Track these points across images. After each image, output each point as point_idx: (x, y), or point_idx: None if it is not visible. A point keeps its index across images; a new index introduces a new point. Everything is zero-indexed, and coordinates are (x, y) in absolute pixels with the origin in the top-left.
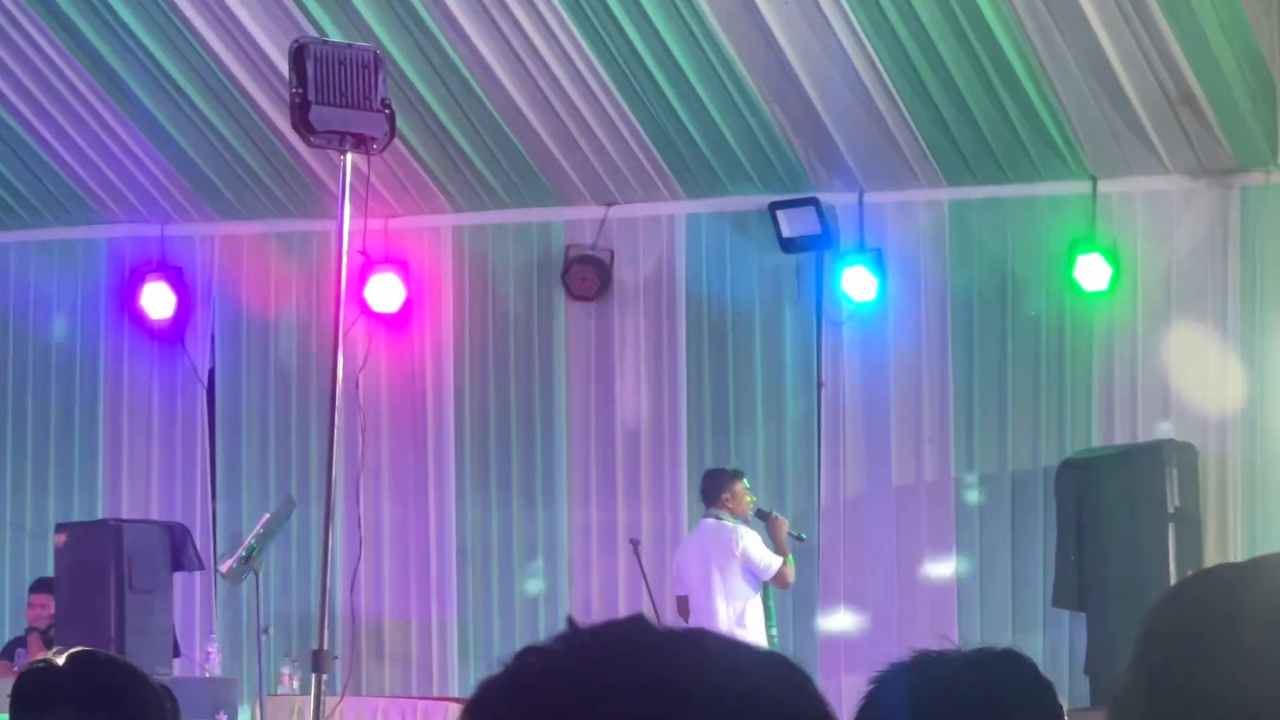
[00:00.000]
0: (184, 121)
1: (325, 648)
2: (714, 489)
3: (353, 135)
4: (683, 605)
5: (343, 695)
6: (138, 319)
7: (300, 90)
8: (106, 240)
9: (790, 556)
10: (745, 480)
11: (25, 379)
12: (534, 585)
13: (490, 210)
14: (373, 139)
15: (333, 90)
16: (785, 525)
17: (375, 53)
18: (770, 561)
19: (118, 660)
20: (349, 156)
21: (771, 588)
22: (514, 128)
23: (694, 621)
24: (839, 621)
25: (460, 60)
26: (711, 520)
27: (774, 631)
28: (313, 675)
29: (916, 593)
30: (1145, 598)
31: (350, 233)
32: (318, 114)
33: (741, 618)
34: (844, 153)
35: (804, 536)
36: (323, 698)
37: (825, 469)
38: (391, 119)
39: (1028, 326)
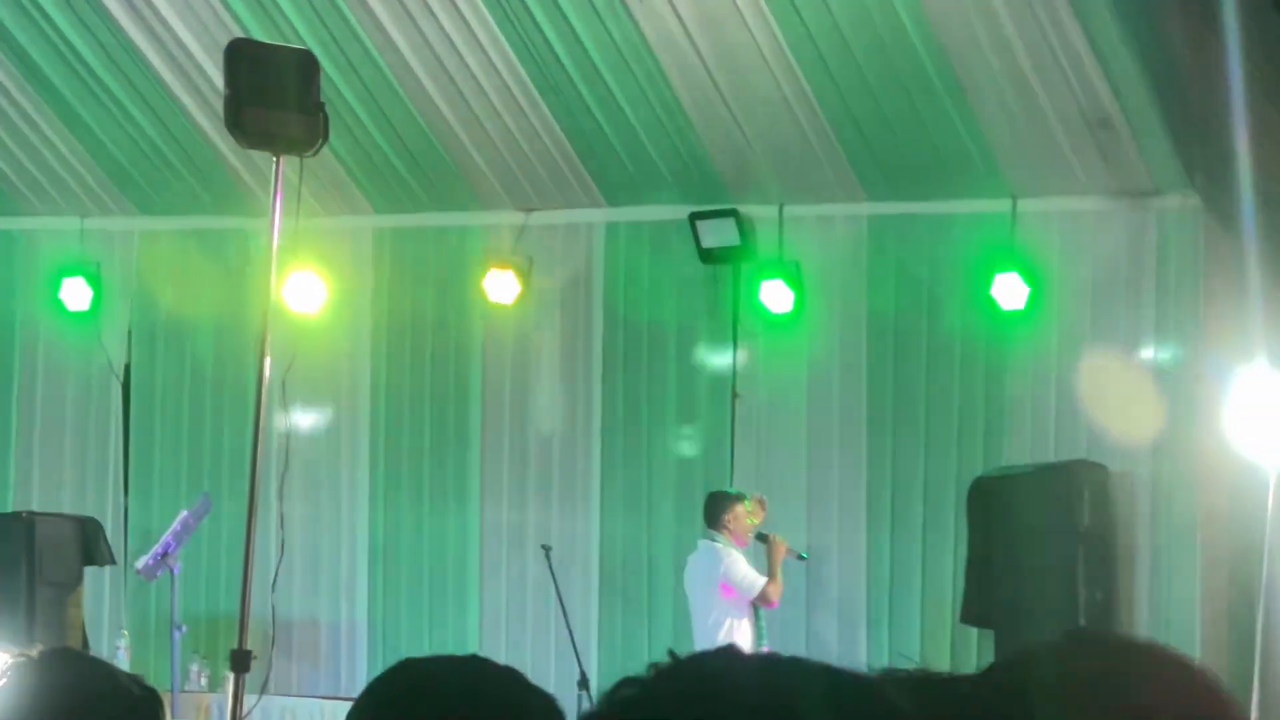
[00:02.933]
0: (104, 115)
1: (246, 647)
2: (714, 512)
3: (286, 138)
4: None
5: (261, 695)
6: (55, 311)
7: (233, 91)
8: (24, 232)
9: (779, 576)
10: (747, 503)
11: None
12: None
13: (410, 213)
14: (306, 142)
15: (266, 92)
16: (784, 546)
17: (310, 54)
18: (753, 581)
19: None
20: (280, 159)
21: (761, 608)
22: (435, 131)
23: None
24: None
25: (383, 60)
26: (705, 543)
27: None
28: (232, 675)
29: (827, 607)
30: (1055, 615)
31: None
32: (251, 115)
33: (727, 636)
34: (765, 165)
35: (805, 556)
36: (242, 697)
37: (738, 479)
38: (325, 122)
39: (944, 343)
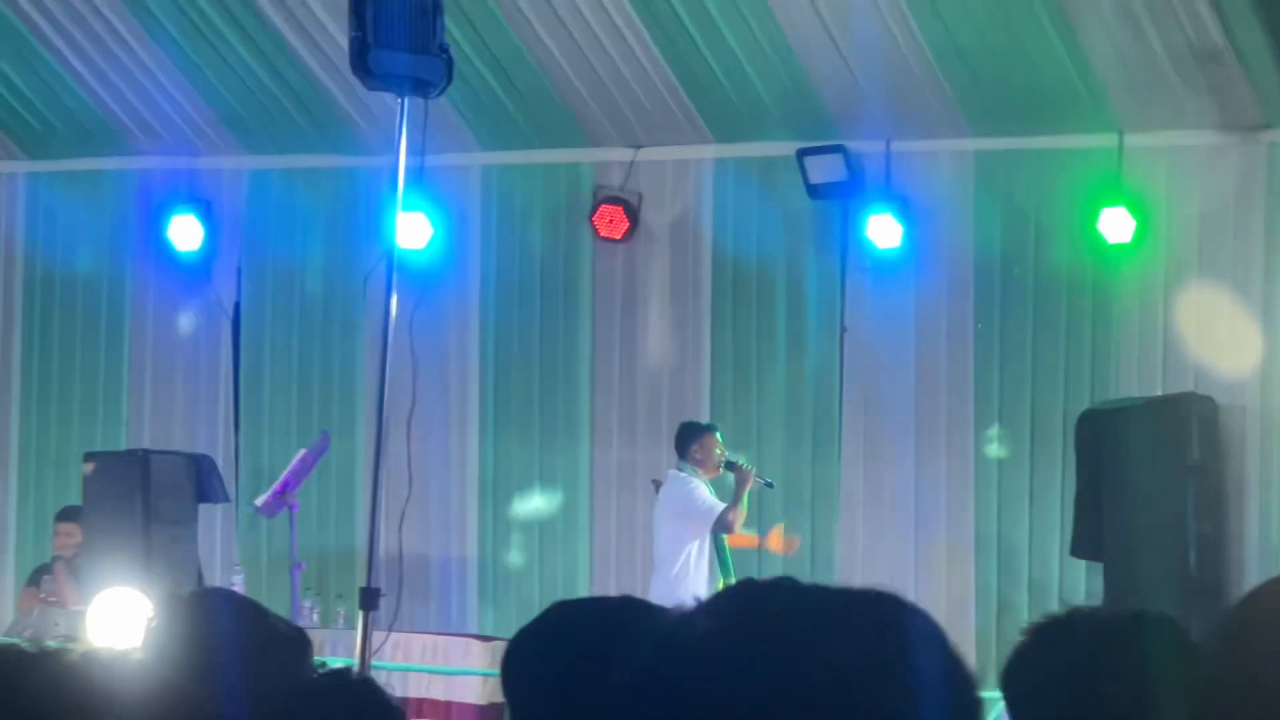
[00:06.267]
0: (213, 55)
1: (374, 585)
2: (682, 442)
3: (410, 79)
4: None
5: (390, 632)
6: (165, 251)
7: (360, 34)
8: (136, 172)
9: (745, 505)
10: (719, 434)
11: (52, 309)
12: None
13: (519, 150)
14: (430, 83)
15: (392, 33)
16: (751, 475)
17: None
18: (710, 507)
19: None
20: (404, 101)
21: (724, 538)
22: (543, 67)
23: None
24: (856, 569)
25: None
26: (671, 472)
27: (729, 580)
28: (360, 612)
29: (935, 540)
30: (1164, 549)
31: (381, 171)
32: (376, 58)
33: (682, 567)
34: (872, 101)
35: (771, 483)
36: (370, 634)
37: (847, 415)
38: (449, 63)
39: (1050, 278)
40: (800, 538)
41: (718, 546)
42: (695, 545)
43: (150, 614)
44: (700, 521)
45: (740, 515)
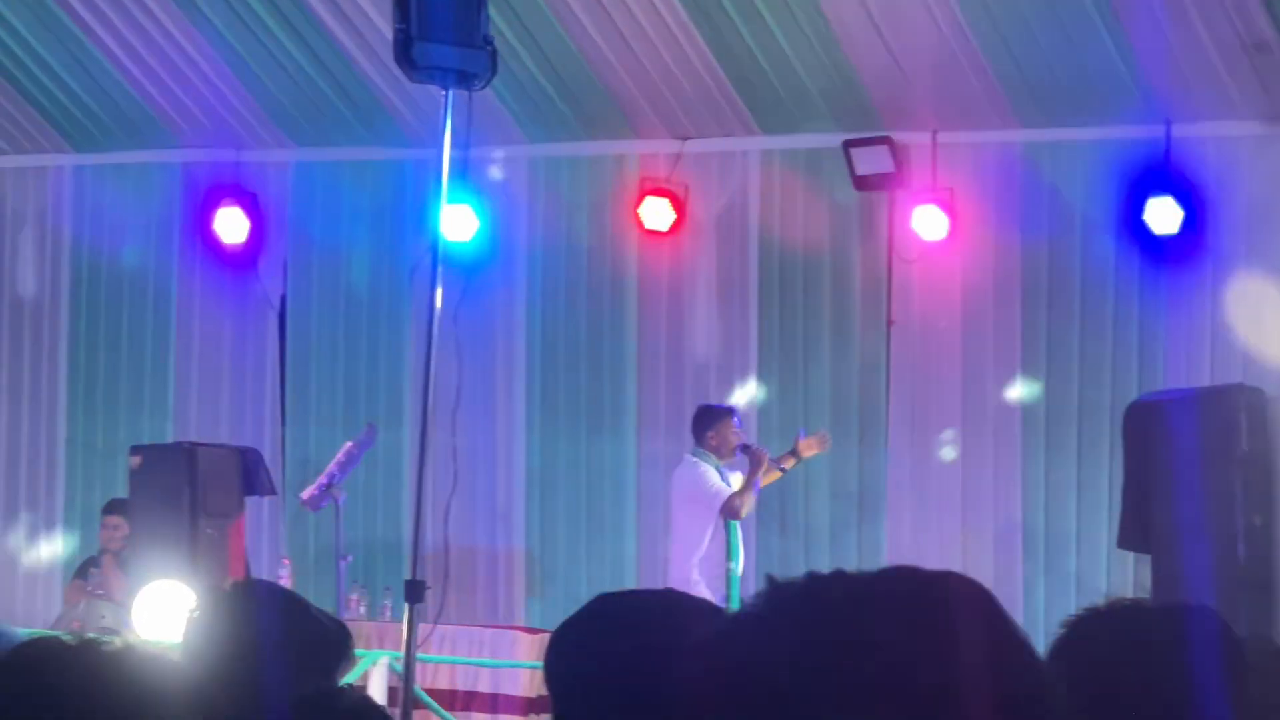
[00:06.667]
0: (258, 47)
1: (418, 577)
2: (698, 427)
3: (455, 72)
4: None
5: (435, 624)
6: (211, 244)
7: (404, 26)
8: (182, 165)
9: (752, 490)
10: (735, 418)
11: (98, 301)
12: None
13: (564, 142)
14: (475, 76)
15: (436, 26)
16: (765, 457)
17: None
18: (717, 491)
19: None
20: (449, 93)
21: (735, 524)
22: (588, 58)
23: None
24: (903, 561)
25: None
26: (686, 456)
27: (733, 565)
28: (406, 605)
29: (982, 532)
30: (1212, 541)
31: (426, 163)
32: (421, 50)
33: (692, 550)
34: (918, 92)
35: (785, 469)
36: (415, 627)
37: (893, 407)
38: (494, 55)
39: (1098, 269)
40: (829, 434)
41: (727, 530)
42: (712, 530)
43: (191, 606)
44: (707, 506)
45: (748, 501)
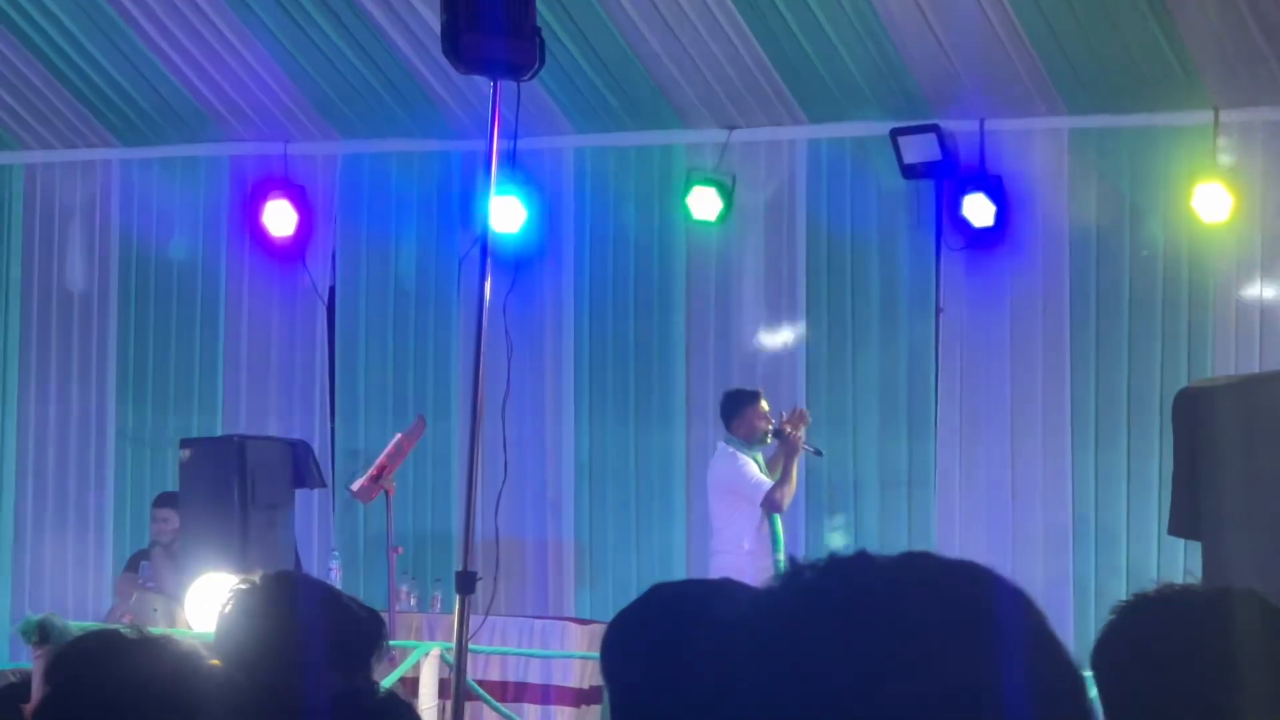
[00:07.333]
0: (305, 40)
1: (470, 569)
2: (726, 415)
3: (503, 63)
4: None
5: (486, 615)
6: (259, 236)
7: (451, 18)
8: (229, 158)
9: (792, 479)
10: (764, 401)
11: (147, 294)
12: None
13: (612, 132)
14: (523, 67)
15: (483, 17)
16: (800, 441)
17: None
18: (757, 484)
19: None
20: (497, 84)
21: (777, 516)
22: (636, 49)
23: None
24: (953, 551)
25: None
26: (720, 444)
27: (779, 557)
28: (457, 596)
29: (1032, 520)
30: (1263, 527)
31: (474, 154)
32: (468, 42)
33: (737, 543)
34: (965, 79)
35: (820, 452)
36: (467, 618)
37: (942, 395)
38: (542, 46)
39: (1146, 256)
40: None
41: (770, 523)
42: (757, 523)
43: (224, 599)
44: (748, 499)
45: (789, 491)
